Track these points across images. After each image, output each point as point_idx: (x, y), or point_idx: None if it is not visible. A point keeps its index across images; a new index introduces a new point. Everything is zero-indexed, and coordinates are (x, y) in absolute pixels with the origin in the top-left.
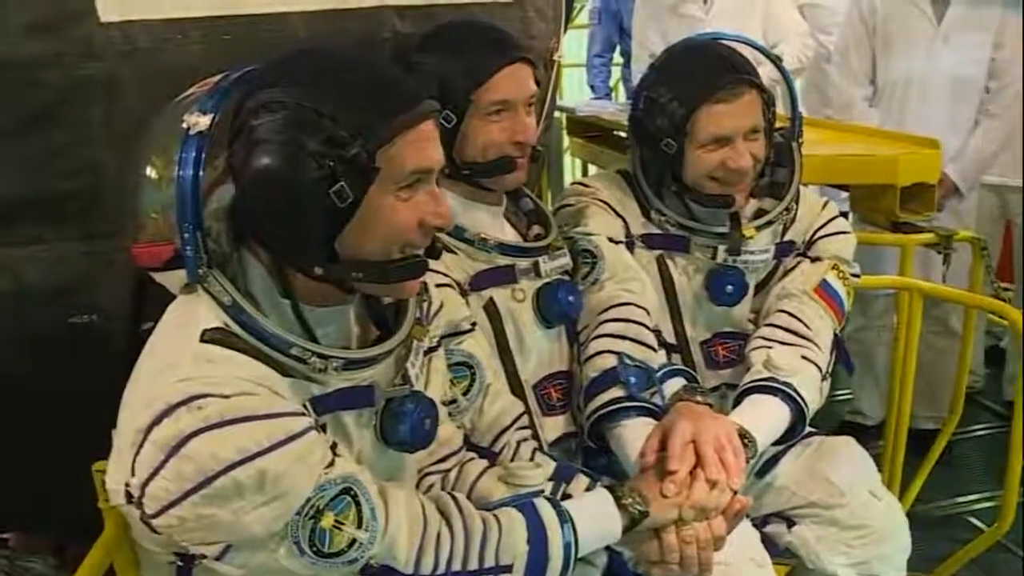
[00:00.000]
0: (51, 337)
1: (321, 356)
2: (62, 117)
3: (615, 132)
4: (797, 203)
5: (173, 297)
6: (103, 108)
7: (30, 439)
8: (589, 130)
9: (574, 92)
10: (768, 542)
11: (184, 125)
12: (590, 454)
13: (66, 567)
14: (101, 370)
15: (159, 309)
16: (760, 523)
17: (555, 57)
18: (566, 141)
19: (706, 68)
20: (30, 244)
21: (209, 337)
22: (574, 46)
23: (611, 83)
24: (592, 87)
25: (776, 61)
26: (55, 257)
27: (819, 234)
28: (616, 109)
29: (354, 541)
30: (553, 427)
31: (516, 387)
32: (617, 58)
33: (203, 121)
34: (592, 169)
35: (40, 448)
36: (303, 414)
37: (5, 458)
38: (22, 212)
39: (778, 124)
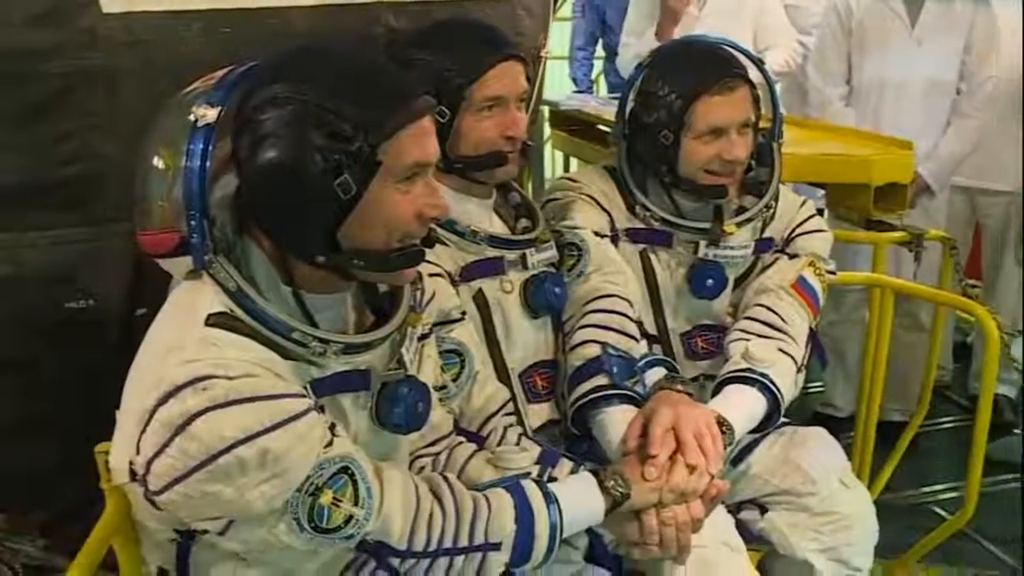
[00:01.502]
0: (49, 321)
1: (321, 340)
2: (63, 106)
3: (597, 126)
4: (776, 201)
5: (169, 283)
6: (104, 98)
7: (27, 421)
8: (571, 123)
9: (555, 84)
10: (742, 528)
11: (192, 117)
12: (572, 440)
13: (56, 548)
14: (97, 354)
15: (154, 295)
16: (735, 509)
17: (542, 53)
18: (547, 133)
19: (703, 62)
20: (30, 230)
21: (214, 321)
22: (556, 38)
23: (593, 76)
24: (574, 80)
25: (759, 64)
26: (54, 243)
27: (797, 232)
28: (599, 103)
29: (351, 518)
30: (537, 414)
31: (503, 375)
32: (599, 51)
33: (210, 113)
34: (574, 162)
35: (36, 430)
36: (304, 395)
37: (1, 440)
38: (23, 198)
39: (760, 125)
